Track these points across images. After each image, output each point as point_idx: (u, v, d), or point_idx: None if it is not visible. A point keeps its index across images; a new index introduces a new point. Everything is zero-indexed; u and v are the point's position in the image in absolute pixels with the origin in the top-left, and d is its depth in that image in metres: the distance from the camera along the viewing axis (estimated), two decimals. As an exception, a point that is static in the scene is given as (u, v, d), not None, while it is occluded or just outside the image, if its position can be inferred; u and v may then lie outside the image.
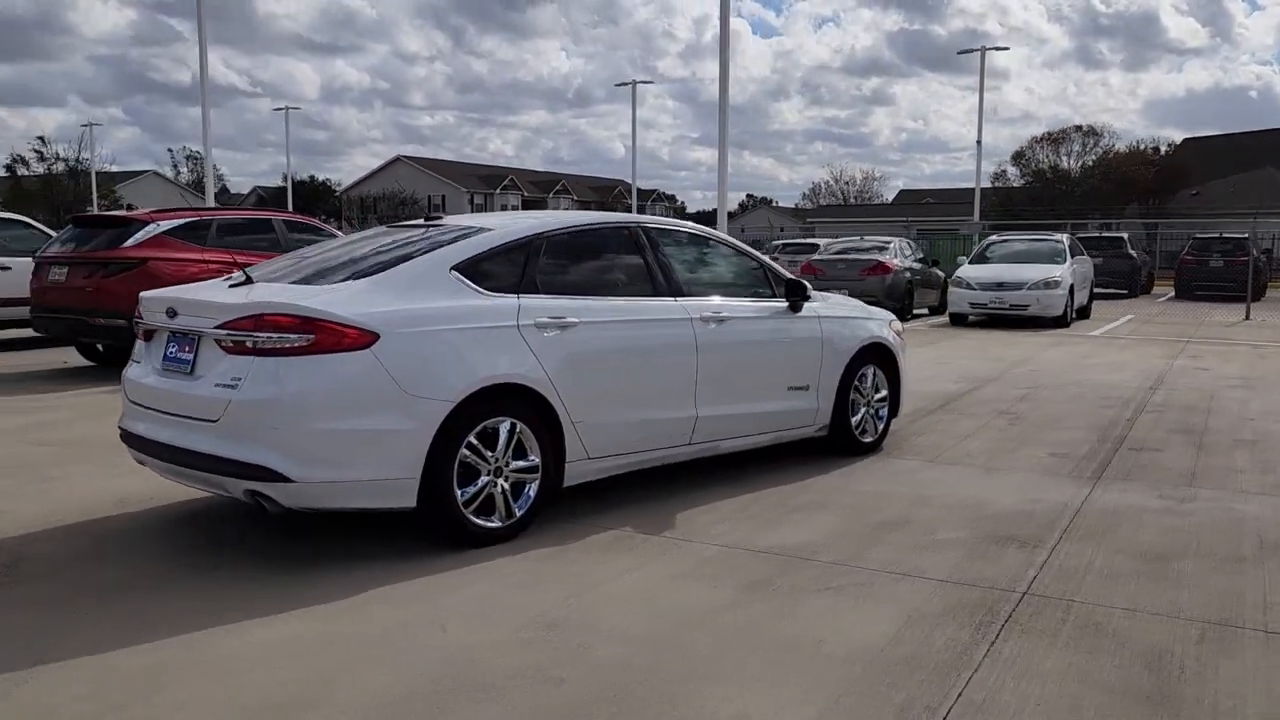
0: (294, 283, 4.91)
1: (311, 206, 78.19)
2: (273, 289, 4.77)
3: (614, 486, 5.85)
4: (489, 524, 4.84)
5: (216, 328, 4.50)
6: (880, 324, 7.12)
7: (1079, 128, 58.33)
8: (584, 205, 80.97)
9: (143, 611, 4.04)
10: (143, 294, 5.17)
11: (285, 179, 53.80)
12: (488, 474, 4.82)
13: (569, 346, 5.13)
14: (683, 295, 5.83)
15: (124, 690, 3.35)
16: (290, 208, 58.00)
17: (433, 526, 4.75)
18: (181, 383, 4.64)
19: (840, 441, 6.83)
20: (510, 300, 5.00)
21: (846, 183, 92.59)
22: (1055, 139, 58.03)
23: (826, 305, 6.79)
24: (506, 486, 4.91)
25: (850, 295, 18.23)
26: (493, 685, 3.39)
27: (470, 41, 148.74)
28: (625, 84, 46.92)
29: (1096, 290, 26.27)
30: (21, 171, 59.21)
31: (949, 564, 4.67)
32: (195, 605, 4.09)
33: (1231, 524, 5.36)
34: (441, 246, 5.07)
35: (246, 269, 5.25)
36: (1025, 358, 12.96)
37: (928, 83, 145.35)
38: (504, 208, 77.47)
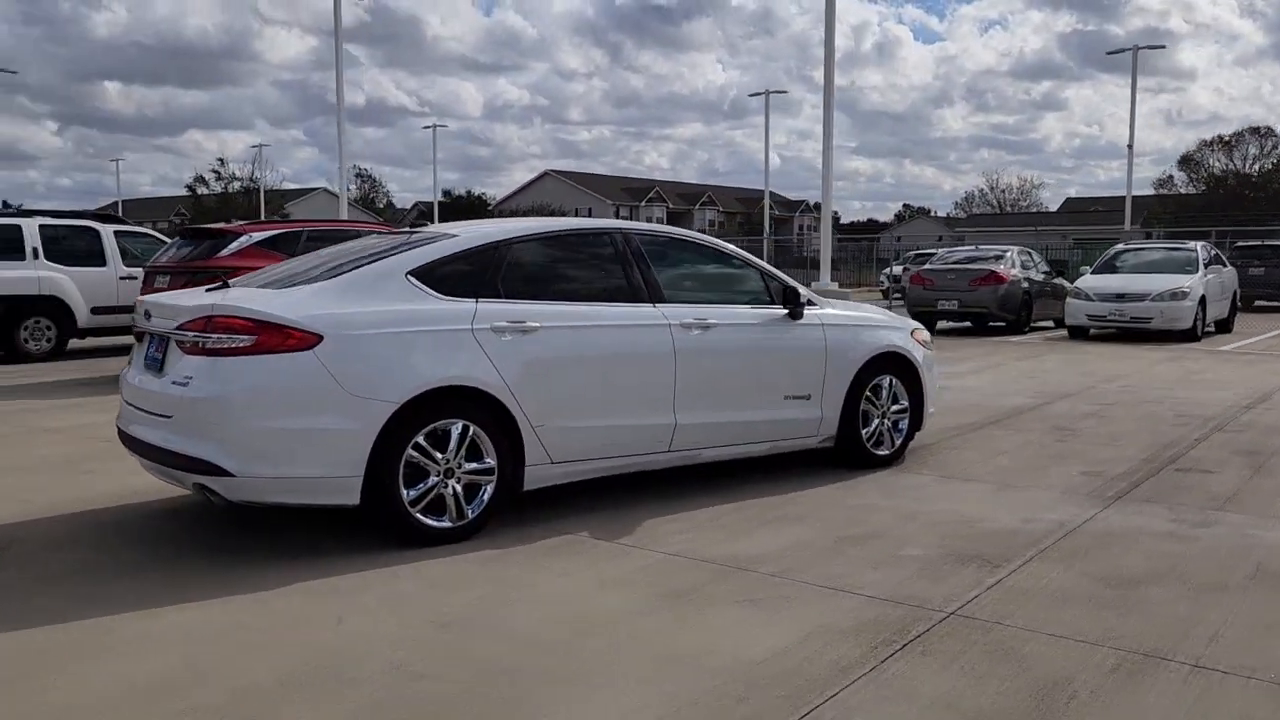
0: (262, 287, 5.15)
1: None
2: (236, 293, 5.01)
3: (591, 491, 5.87)
4: (438, 524, 4.93)
5: (175, 329, 4.76)
6: (898, 333, 6.88)
7: (1256, 130, 54.58)
8: (729, 216, 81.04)
9: (88, 595, 4.31)
10: (137, 298, 5.52)
11: (433, 194, 55.71)
12: (437, 475, 4.91)
13: (529, 351, 5.19)
14: (664, 301, 5.79)
15: (26, 666, 3.58)
16: (435, 220, 60.21)
17: (380, 525, 4.88)
18: (153, 380, 4.92)
19: (850, 454, 6.64)
20: (467, 305, 5.09)
21: (1002, 191, 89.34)
22: (1228, 143, 54.47)
23: (834, 313, 6.61)
24: (458, 488, 4.99)
25: (960, 306, 17.91)
26: (355, 678, 3.47)
27: (627, 56, 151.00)
28: (758, 94, 46.48)
29: (1261, 303, 24.55)
30: (201, 190, 63.62)
31: (892, 581, 4.48)
32: (136, 590, 4.33)
33: (1237, 551, 4.94)
34: (402, 252, 5.21)
35: (227, 277, 5.53)
36: (1125, 373, 12.23)
37: (1103, 85, 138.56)
38: (648, 219, 78.26)
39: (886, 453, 6.79)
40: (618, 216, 76.39)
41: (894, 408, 6.84)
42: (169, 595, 4.26)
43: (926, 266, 19.53)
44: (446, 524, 4.96)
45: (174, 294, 5.47)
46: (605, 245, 5.79)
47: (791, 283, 6.41)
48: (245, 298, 4.82)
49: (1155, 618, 4.04)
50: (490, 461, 5.08)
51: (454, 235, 5.40)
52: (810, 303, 6.46)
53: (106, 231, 14.32)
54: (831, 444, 6.57)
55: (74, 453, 7.31)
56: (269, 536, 5.11)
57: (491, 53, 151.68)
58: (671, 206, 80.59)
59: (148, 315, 5.10)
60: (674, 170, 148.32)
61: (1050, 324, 19.68)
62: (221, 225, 12.59)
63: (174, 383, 4.70)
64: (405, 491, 4.83)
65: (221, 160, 67.82)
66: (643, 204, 78.52)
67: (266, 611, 4.10)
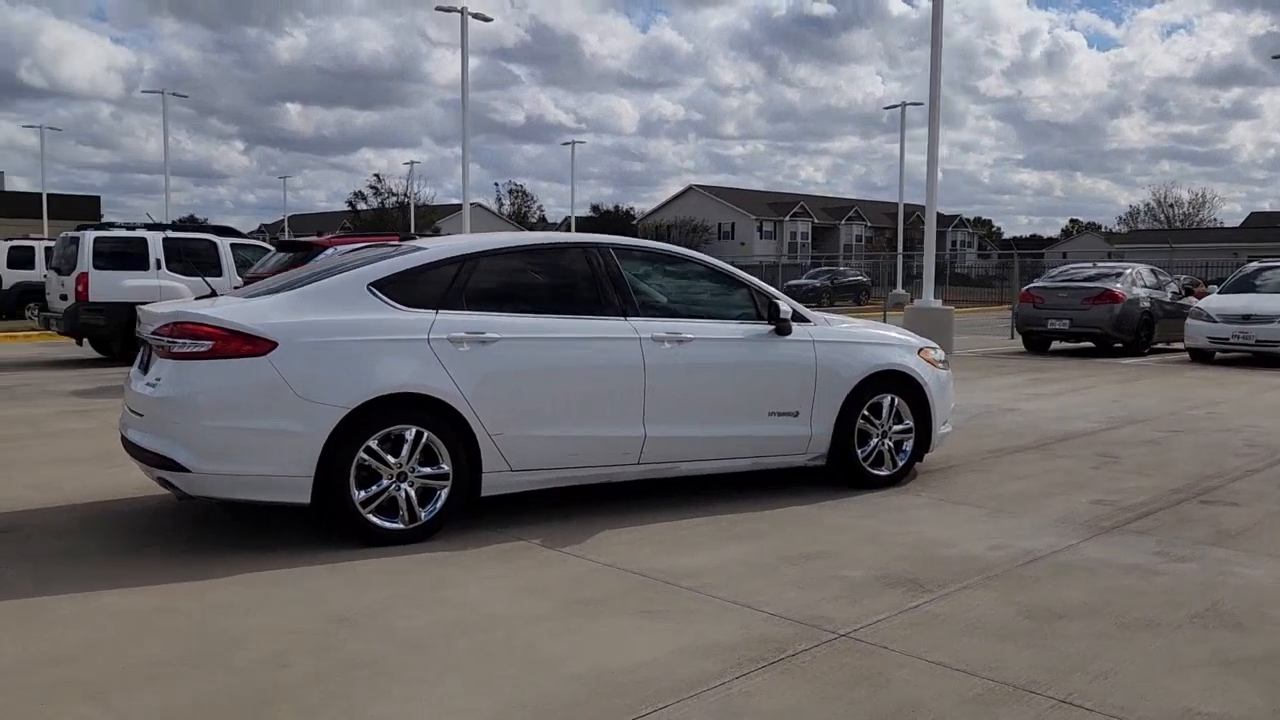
0: (247, 297, 5.50)
1: (617, 235, 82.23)
2: (206, 303, 5.37)
3: (567, 500, 5.99)
4: (391, 525, 5.15)
5: (152, 334, 5.15)
6: (902, 351, 6.73)
7: None
8: (877, 230, 79.42)
9: (52, 575, 4.71)
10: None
11: (570, 208, 56.75)
12: (390, 478, 5.14)
13: (487, 361, 5.36)
14: (638, 315, 5.87)
15: (-37, 634, 3.98)
16: (572, 229, 61.57)
17: (333, 524, 5.14)
18: (139, 383, 5.33)
19: (847, 473, 6.53)
20: (426, 315, 5.31)
21: (1170, 205, 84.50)
22: None
23: (830, 329, 6.52)
24: (412, 491, 5.20)
25: (1072, 326, 17.15)
26: (228, 664, 3.69)
27: (783, 70, 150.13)
28: (894, 107, 45.45)
29: None
30: (360, 205, 66.93)
31: (807, 601, 4.43)
32: (98, 574, 4.71)
33: (1199, 588, 4.65)
34: (368, 264, 5.47)
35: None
36: (1221, 399, 11.48)
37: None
38: (792, 235, 77.61)
39: (887, 473, 6.65)
40: (760, 231, 76.06)
41: (896, 428, 6.69)
42: (123, 580, 4.62)
43: (1036, 284, 18.74)
44: (399, 525, 5.17)
45: (158, 304, 5.89)
46: (579, 259, 5.91)
47: (783, 299, 6.37)
48: (209, 306, 5.18)
49: (1055, 652, 3.87)
50: (445, 467, 5.27)
51: (423, 249, 5.64)
52: (804, 319, 6.40)
53: (223, 243, 15.34)
54: (823, 462, 6.48)
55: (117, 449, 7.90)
56: (248, 531, 5.44)
57: (647, 69, 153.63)
58: (817, 221, 79.64)
59: (138, 323, 5.53)
60: (829, 185, 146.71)
61: (1180, 346, 18.58)
62: (312, 238, 13.31)
63: (148, 384, 5.09)
64: (357, 493, 5.07)
65: (378, 176, 71.23)
66: (786, 219, 77.87)
67: (195, 599, 4.39)
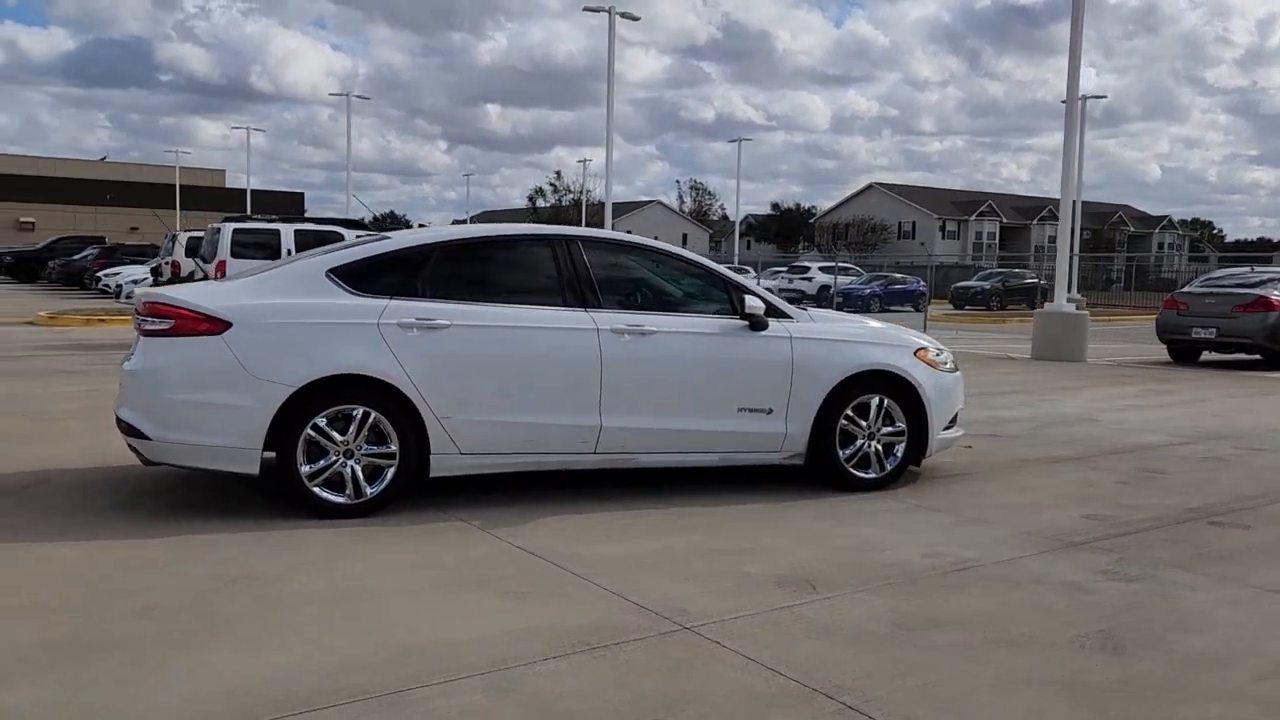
0: (228, 280, 5.93)
1: (794, 233, 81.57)
2: (177, 286, 5.81)
3: (537, 485, 6.15)
4: (336, 499, 5.45)
5: (134, 314, 5.64)
6: (890, 350, 6.52)
7: None
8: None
9: (37, 525, 5.25)
10: None
11: (736, 207, 56.67)
12: (337, 454, 5.44)
13: (436, 347, 5.58)
14: (600, 307, 5.95)
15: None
16: (735, 227, 61.31)
17: (284, 496, 5.48)
18: (126, 360, 5.83)
19: (825, 474, 6.40)
20: (378, 301, 5.57)
21: None
22: None
23: (812, 326, 6.39)
24: (358, 468, 5.48)
25: (1219, 335, 15.88)
26: (99, 614, 4.02)
27: (986, 63, 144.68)
28: (1087, 99, 42.97)
29: None
30: (540, 203, 69.08)
31: (683, 593, 4.42)
32: (73, 528, 5.20)
33: (1116, 609, 4.35)
34: (334, 253, 5.79)
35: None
36: (1348, 417, 10.42)
37: None
38: (977, 235, 74.74)
39: (873, 476, 6.46)
40: (943, 230, 73.56)
41: (886, 430, 6.49)
42: (74, 534, 5.09)
43: (1183, 289, 17.43)
44: (344, 500, 5.46)
45: (147, 287, 6.40)
46: (544, 251, 6.04)
47: (758, 295, 6.30)
48: (177, 289, 5.62)
49: (894, 660, 3.74)
50: (393, 447, 5.52)
51: (388, 239, 5.91)
52: (782, 315, 6.31)
53: (349, 235, 16.27)
54: (801, 461, 6.37)
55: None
56: (214, 502, 5.87)
57: (841, 64, 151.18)
58: (1005, 221, 76.29)
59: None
60: (1033, 183, 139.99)
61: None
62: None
63: (126, 360, 5.58)
64: (304, 467, 5.39)
65: (558, 173, 73.35)
66: (972, 218, 74.97)
67: (116, 555, 4.78)
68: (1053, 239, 76.98)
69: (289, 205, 59.52)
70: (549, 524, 5.51)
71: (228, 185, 72.56)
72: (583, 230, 6.43)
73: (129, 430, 5.43)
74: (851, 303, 35.59)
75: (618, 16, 25.00)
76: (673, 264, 6.48)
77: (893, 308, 35.78)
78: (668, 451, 6.11)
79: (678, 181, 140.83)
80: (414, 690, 3.38)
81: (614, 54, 24.99)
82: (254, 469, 5.38)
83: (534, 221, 64.73)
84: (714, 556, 4.99)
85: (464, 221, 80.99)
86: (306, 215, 17.18)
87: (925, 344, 6.77)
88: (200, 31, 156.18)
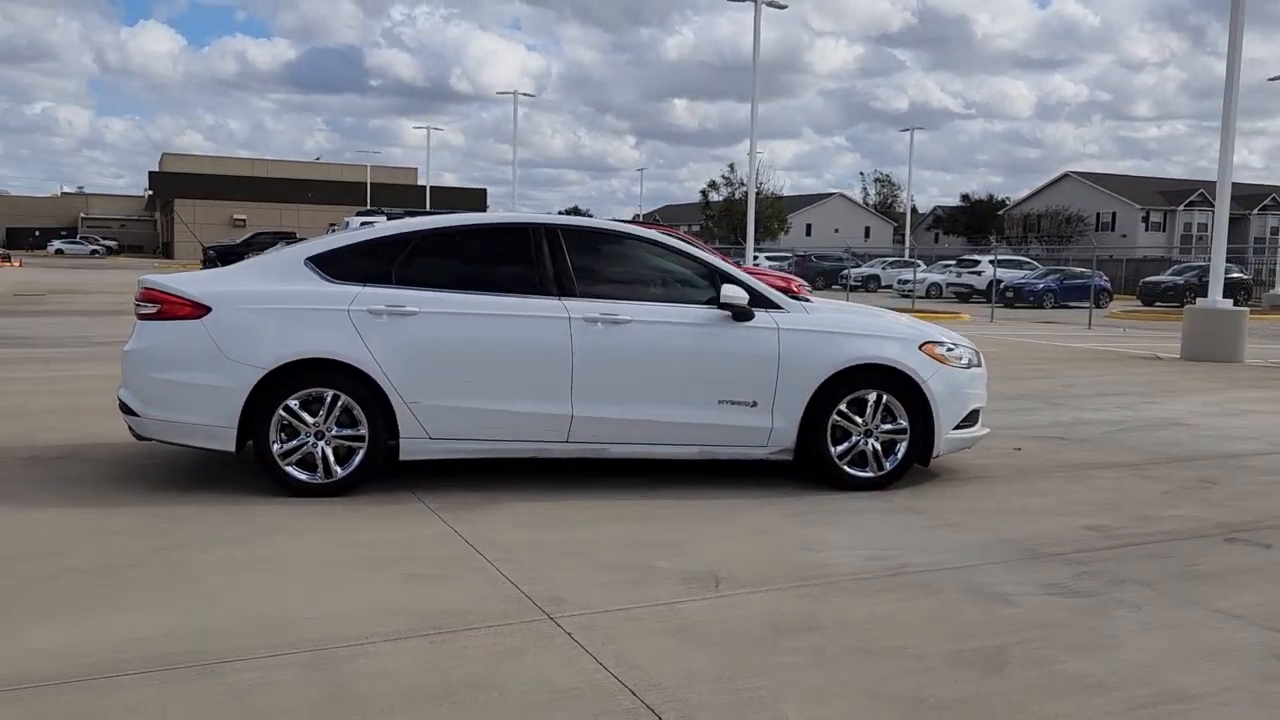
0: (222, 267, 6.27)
1: (985, 226, 78.35)
2: (169, 274, 6.17)
3: (519, 471, 6.20)
4: (308, 478, 5.68)
5: (134, 300, 6.04)
6: (890, 343, 6.18)
7: None
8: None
9: (20, 493, 5.70)
10: None
11: (906, 196, 54.83)
12: (308, 435, 5.66)
13: (405, 332, 5.71)
14: (574, 295, 5.93)
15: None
16: (907, 218, 59.07)
17: (259, 471, 5.76)
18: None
19: (817, 471, 6.16)
20: (350, 288, 5.75)
21: None
22: None
23: (800, 317, 6.13)
24: (329, 449, 5.69)
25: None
26: (5, 570, 4.37)
27: (1213, 40, 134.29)
28: (1277, 78, 39.10)
29: None
30: (713, 196, 69.10)
31: (575, 583, 4.39)
32: (50, 495, 5.64)
33: (1025, 625, 4.02)
34: (316, 241, 6.01)
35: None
36: None
37: None
38: (1186, 226, 69.49)
39: (870, 475, 6.16)
40: (1146, 222, 68.87)
41: (885, 427, 6.18)
42: (61, 501, 5.50)
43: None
44: (316, 479, 5.68)
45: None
46: (521, 239, 6.07)
47: (745, 284, 6.11)
48: (170, 276, 5.98)
49: (730, 663, 3.59)
50: (362, 430, 5.70)
51: (372, 228, 6.10)
52: (771, 305, 6.11)
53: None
54: (789, 458, 6.15)
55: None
56: (213, 475, 6.21)
57: (1045, 47, 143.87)
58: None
59: (145, 292, 6.48)
60: (1267, 170, 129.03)
61: None
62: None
63: (126, 341, 6.00)
64: (276, 446, 5.64)
65: (731, 167, 72.91)
66: (1180, 208, 69.65)
67: (76, 519, 5.17)
68: (1275, 230, 70.80)
69: (470, 202, 61.98)
70: (507, 510, 5.55)
71: (419, 183, 76.27)
72: (563, 218, 6.42)
73: (123, 408, 5.83)
74: (1023, 298, 33.93)
75: (764, 6, 24.67)
76: (659, 253, 6.37)
77: (1070, 303, 33.84)
78: (643, 443, 6.03)
79: (861, 174, 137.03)
80: (235, 661, 3.50)
81: (759, 45, 24.67)
82: (230, 446, 5.66)
83: (706, 214, 64.75)
84: (637, 549, 4.90)
85: (640, 216, 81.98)
86: (430, 210, 17.84)
87: (935, 337, 6.39)
88: (405, 37, 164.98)
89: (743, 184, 67.49)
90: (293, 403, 5.64)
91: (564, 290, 5.95)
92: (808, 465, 6.20)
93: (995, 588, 4.46)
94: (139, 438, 5.90)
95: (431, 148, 62.82)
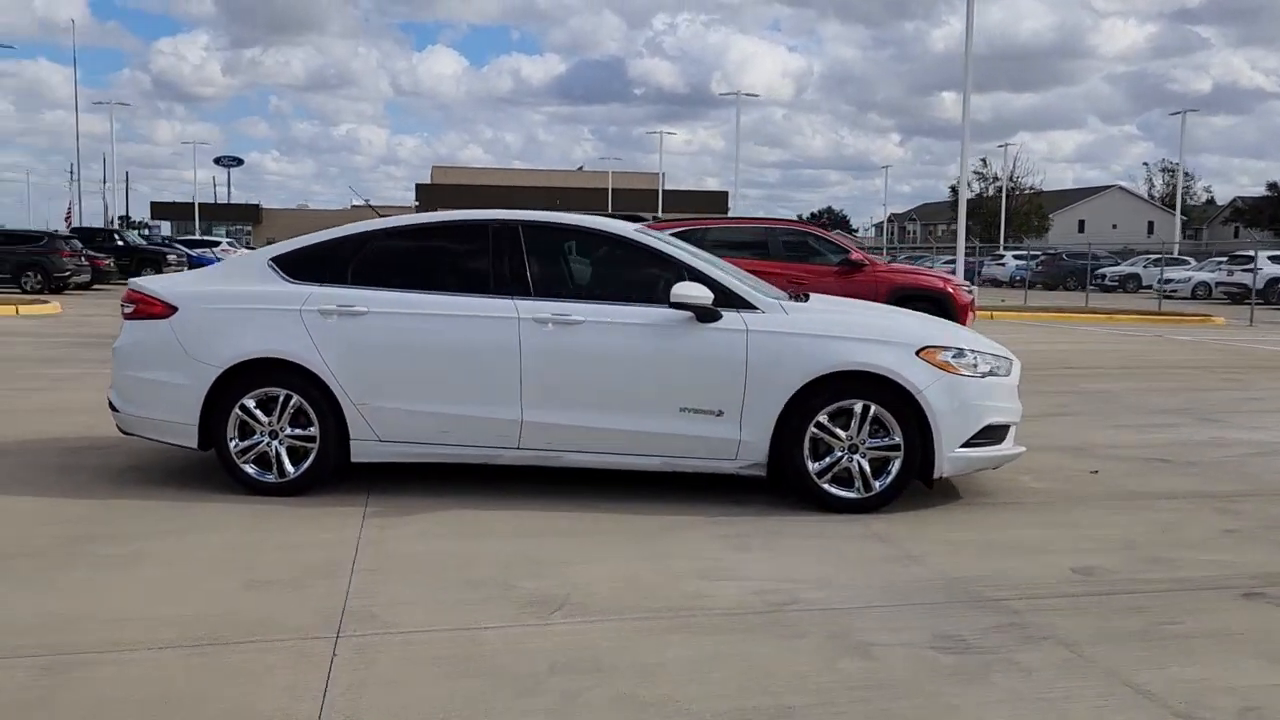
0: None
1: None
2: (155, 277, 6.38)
3: (494, 477, 5.98)
4: (262, 477, 5.72)
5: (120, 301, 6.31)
6: (879, 348, 5.42)
7: None
8: None
9: (24, 479, 6.08)
10: None
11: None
12: (262, 434, 5.71)
13: (353, 333, 5.63)
14: (526, 295, 5.63)
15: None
16: (1176, 224, 53.48)
17: (223, 469, 5.86)
18: None
19: (794, 489, 5.53)
20: (305, 288, 5.74)
21: None
22: None
23: (775, 318, 5.51)
24: (282, 449, 5.71)
25: None
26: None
27: None
28: None
29: None
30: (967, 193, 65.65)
31: (404, 600, 4.13)
32: (29, 485, 5.99)
33: (864, 687, 3.37)
34: (287, 242, 6.05)
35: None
36: None
37: None
38: None
39: (854, 496, 5.46)
40: None
41: (874, 442, 5.45)
42: (66, 489, 5.82)
43: None
44: (270, 478, 5.72)
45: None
46: (479, 237, 5.83)
47: (720, 282, 5.56)
48: (153, 277, 6.19)
49: (464, 698, 3.22)
50: (314, 430, 5.68)
51: (340, 228, 6.06)
52: (745, 305, 5.54)
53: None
54: (762, 473, 5.56)
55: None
56: (195, 474, 6.39)
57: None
58: None
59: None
60: None
61: None
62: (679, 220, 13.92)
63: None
64: (234, 443, 5.72)
65: (984, 161, 68.87)
66: None
67: (50, 508, 5.41)
68: None
69: (712, 204, 62.07)
70: (436, 518, 5.34)
71: (669, 188, 77.49)
72: (525, 214, 6.06)
73: (110, 403, 6.11)
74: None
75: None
76: (626, 250, 5.92)
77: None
78: (600, 451, 5.63)
79: (1145, 164, 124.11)
80: (-17, 657, 3.51)
81: (971, 33, 22.99)
82: (193, 443, 5.79)
83: (954, 211, 61.56)
84: (514, 566, 4.55)
85: (909, 215, 79.18)
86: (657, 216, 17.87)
87: (942, 341, 5.58)
88: (667, 46, 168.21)
89: (996, 179, 63.84)
90: (249, 402, 5.70)
91: (518, 289, 5.67)
92: (783, 482, 5.58)
93: (869, 636, 3.77)
94: (124, 433, 6.17)
95: (693, 153, 63.64)
